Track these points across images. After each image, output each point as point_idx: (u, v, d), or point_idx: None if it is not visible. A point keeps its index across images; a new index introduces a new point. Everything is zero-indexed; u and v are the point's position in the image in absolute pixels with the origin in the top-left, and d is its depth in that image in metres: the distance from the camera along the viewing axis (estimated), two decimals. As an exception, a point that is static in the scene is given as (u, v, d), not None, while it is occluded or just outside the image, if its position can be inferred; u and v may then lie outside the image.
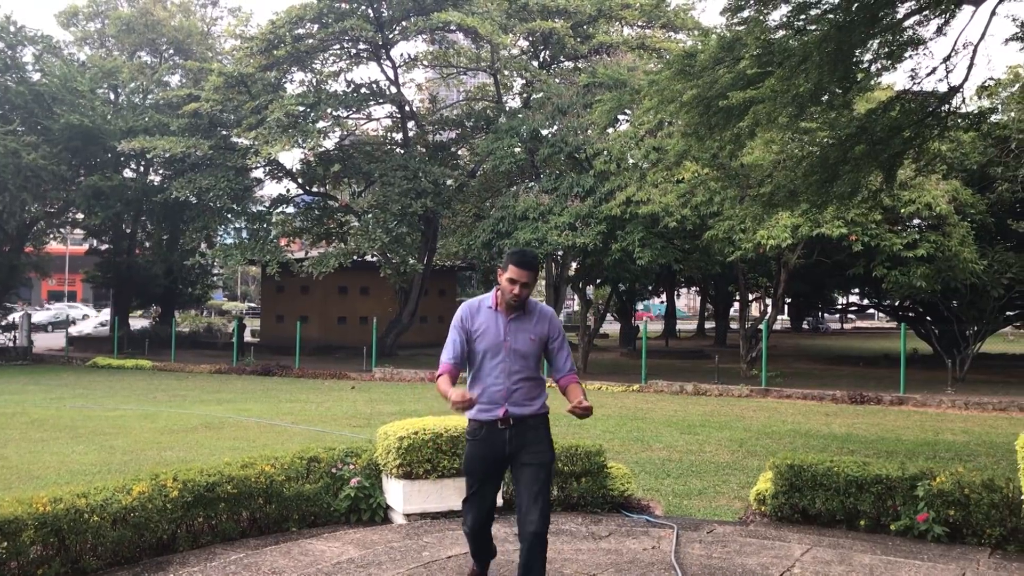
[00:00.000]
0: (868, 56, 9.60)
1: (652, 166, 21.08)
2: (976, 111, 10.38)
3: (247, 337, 33.34)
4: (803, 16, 8.18)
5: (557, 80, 27.07)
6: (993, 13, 9.99)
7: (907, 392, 17.52)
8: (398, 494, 6.49)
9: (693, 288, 52.70)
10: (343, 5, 25.72)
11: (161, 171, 32.67)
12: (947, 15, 9.45)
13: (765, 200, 9.95)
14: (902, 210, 18.88)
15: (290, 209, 32.15)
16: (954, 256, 19.19)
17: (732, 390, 18.35)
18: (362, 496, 6.63)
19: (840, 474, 6.62)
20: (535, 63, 28.95)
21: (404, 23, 26.91)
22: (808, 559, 5.24)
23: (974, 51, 9.94)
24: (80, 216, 32.51)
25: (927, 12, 9.34)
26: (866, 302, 36.86)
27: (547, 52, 29.15)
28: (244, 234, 31.05)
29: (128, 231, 34.10)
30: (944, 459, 10.12)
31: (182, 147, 26.05)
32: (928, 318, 27.11)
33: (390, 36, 27.30)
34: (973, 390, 18.88)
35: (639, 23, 27.68)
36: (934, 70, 10.21)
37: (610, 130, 23.77)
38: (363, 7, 25.99)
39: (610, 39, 27.14)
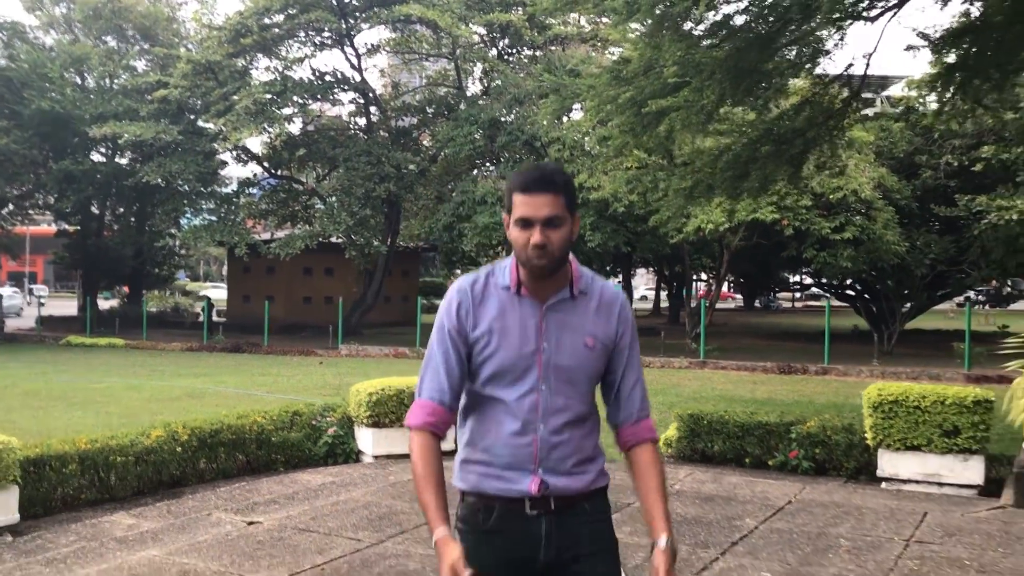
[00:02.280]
0: (781, 65, 11.04)
1: (602, 154, 22.48)
2: (871, 114, 11.87)
3: (213, 317, 34.31)
4: (713, 36, 9.55)
5: (515, 70, 28.33)
6: (884, 28, 11.50)
7: (832, 363, 19.15)
8: (368, 440, 7.85)
9: (651, 269, 54.35)
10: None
11: (129, 155, 33.42)
12: (843, 31, 10.92)
13: (686, 193, 11.38)
14: (830, 196, 20.44)
15: (255, 191, 33.12)
16: (878, 239, 20.83)
17: (673, 362, 19.89)
18: (338, 442, 7.99)
19: (730, 421, 8.11)
20: (493, 51, 30.17)
21: (367, 13, 27.99)
22: (688, 479, 6.69)
23: (867, 62, 11.44)
24: (50, 199, 33.22)
25: (827, 28, 10.79)
26: (808, 281, 38.61)
27: (505, 41, 30.37)
28: (212, 216, 31.97)
29: (97, 213, 34.86)
30: (847, 418, 11.65)
31: (152, 132, 26.93)
32: (866, 296, 28.88)
33: (353, 24, 28.39)
34: (897, 362, 20.53)
35: (594, 15, 28.97)
36: (836, 78, 11.71)
37: (565, 118, 25.11)
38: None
39: (565, 31, 28.40)
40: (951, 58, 11.73)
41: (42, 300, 37.16)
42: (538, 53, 30.08)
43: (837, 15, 10.29)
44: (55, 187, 29.49)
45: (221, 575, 4.35)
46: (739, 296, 58.52)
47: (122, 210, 35.44)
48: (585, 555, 2.21)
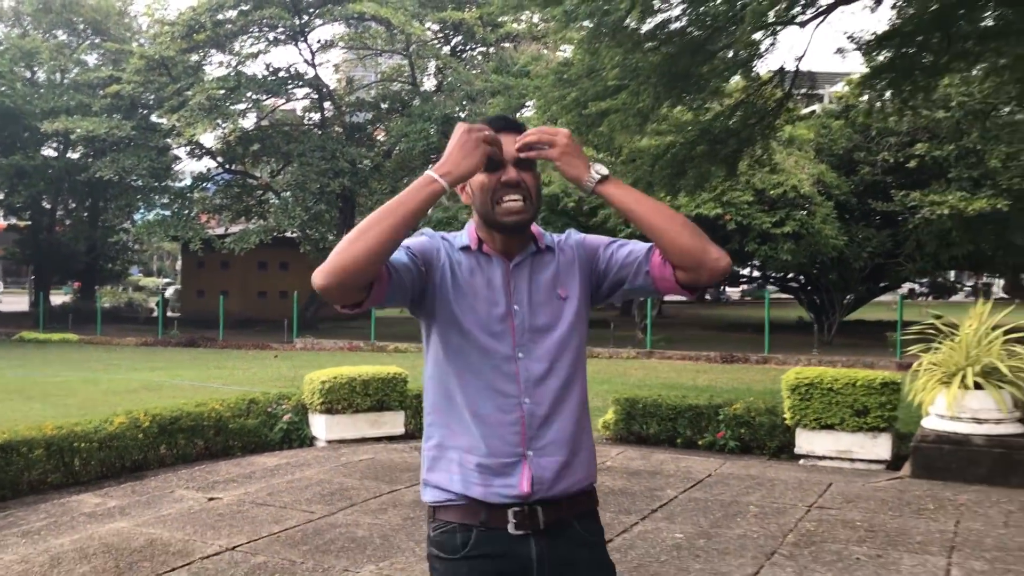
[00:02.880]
0: (716, 68, 11.61)
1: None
2: (817, 110, 12.51)
3: (167, 312, 34.27)
4: (649, 42, 10.07)
5: (468, 67, 28.76)
6: (814, 33, 12.14)
7: (773, 352, 19.90)
8: (321, 426, 8.27)
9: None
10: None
11: (81, 149, 33.26)
12: (775, 35, 11.53)
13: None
14: (771, 191, 21.18)
15: (209, 186, 33.18)
16: (817, 233, 21.63)
17: (621, 352, 20.50)
18: (292, 428, 8.40)
19: (664, 405, 8.66)
20: (447, 48, 30.56)
21: (320, 9, 28.22)
22: (620, 457, 7.23)
23: (797, 65, 12.08)
24: (0, 194, 32.97)
25: (757, 33, 11.38)
26: (755, 274, 39.59)
27: (458, 38, 30.77)
28: (165, 211, 31.97)
29: (48, 208, 34.66)
30: (774, 401, 12.30)
31: (105, 128, 26.91)
32: (809, 288, 29.79)
33: (307, 21, 28.59)
34: (835, 351, 21.36)
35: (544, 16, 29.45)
36: (769, 80, 12.32)
37: (516, 115, 25.60)
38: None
39: (517, 28, 28.85)
40: (880, 60, 12.42)
41: (-4, 295, 36.74)
42: (491, 50, 30.51)
43: (771, 20, 10.90)
44: (6, 182, 29.30)
45: (185, 543, 4.77)
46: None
47: (74, 205, 35.25)
48: None
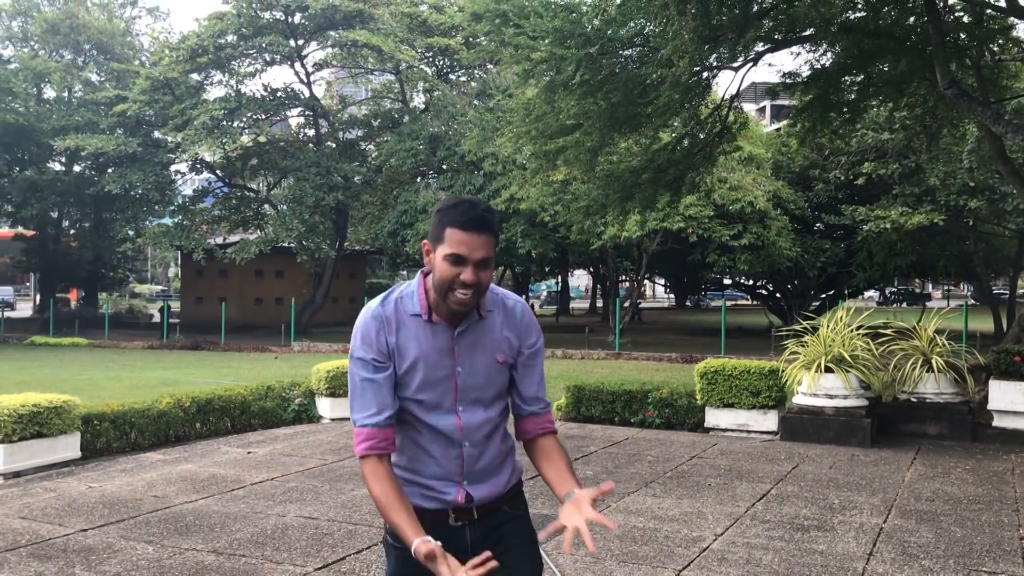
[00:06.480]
0: (658, 108, 13.60)
1: (530, 168, 25.00)
2: (736, 146, 14.55)
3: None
4: (598, 91, 12.03)
5: (453, 89, 30.78)
6: (743, 77, 14.19)
7: (730, 353, 21.88)
8: (327, 406, 10.22)
9: (589, 271, 57.14)
10: (262, 15, 28.88)
11: (84, 164, 35.13)
12: (712, 78, 13.52)
13: (584, 210, 13.92)
14: (730, 207, 23.21)
15: (208, 198, 35.10)
16: (772, 244, 23.67)
17: (592, 354, 22.47)
18: (302, 409, 10.34)
19: (605, 390, 10.62)
20: (433, 69, 32.59)
21: (316, 35, 30.23)
22: (562, 427, 9.20)
23: (731, 104, 14.09)
24: (8, 208, 34.79)
25: (696, 75, 13.36)
26: (727, 282, 41.71)
27: (444, 61, 32.81)
28: (169, 221, 33.84)
29: (55, 218, 36.53)
30: (691, 386, 14.28)
31: (113, 145, 28.81)
32: (777, 295, 31.87)
33: (303, 45, 30.59)
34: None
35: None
36: (708, 117, 14.32)
37: (493, 144, 27.62)
38: (279, 16, 29.16)
39: (500, 53, 30.84)
40: (808, 97, 14.45)
41: (8, 301, 38.48)
42: (475, 71, 32.52)
43: (711, 64, 12.87)
44: (19, 196, 31.18)
45: (238, 476, 6.70)
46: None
47: (80, 216, 37.12)
48: (507, 549, 2.36)
